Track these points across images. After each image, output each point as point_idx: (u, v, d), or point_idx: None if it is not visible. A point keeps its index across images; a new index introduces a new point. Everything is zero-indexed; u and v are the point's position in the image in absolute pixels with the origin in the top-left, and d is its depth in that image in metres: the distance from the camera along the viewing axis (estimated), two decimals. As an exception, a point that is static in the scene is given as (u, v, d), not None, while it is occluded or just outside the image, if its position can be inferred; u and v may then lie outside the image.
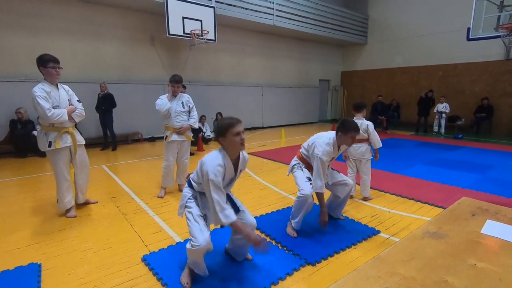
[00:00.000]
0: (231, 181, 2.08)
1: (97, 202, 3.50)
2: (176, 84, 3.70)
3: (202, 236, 1.90)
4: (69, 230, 2.88)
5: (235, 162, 2.01)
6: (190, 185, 2.11)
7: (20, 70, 6.41)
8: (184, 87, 6.45)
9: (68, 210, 3.20)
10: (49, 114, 2.79)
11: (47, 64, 2.87)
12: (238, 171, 2.07)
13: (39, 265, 2.27)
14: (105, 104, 6.72)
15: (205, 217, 2.01)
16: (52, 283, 2.08)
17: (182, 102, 3.81)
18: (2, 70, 6.23)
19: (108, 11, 7.40)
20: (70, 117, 3.01)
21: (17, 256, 2.42)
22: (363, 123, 3.57)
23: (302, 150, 2.92)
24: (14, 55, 6.33)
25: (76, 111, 3.06)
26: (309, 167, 2.84)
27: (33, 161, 5.80)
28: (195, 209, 2.03)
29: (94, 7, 7.18)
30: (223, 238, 2.60)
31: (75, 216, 3.17)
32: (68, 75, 6.81)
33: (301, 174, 2.80)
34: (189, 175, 2.21)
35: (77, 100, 3.13)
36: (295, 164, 2.91)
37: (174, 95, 3.77)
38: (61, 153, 3.03)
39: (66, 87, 3.11)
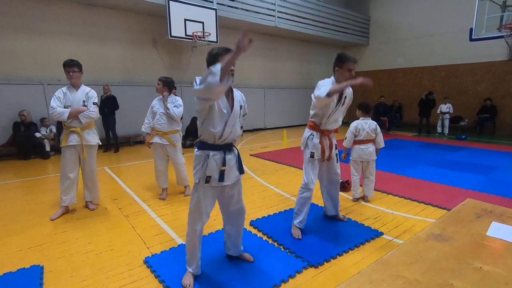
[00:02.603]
0: (230, 117, 1.89)
1: (96, 208, 3.47)
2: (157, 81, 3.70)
3: (199, 217, 1.97)
4: (71, 232, 2.89)
5: (229, 97, 1.94)
6: (201, 147, 1.98)
7: (23, 72, 6.46)
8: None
9: (60, 209, 3.27)
10: (50, 112, 3.12)
11: (64, 68, 3.13)
12: (238, 107, 1.94)
13: (42, 267, 2.27)
14: (108, 106, 6.74)
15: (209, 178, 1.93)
16: (54, 285, 2.08)
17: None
18: (5, 72, 6.27)
19: (110, 14, 7.44)
20: (76, 118, 3.14)
21: (20, 258, 2.42)
22: (371, 123, 3.57)
23: (310, 113, 2.79)
24: (17, 58, 6.37)
25: (84, 112, 3.16)
26: (322, 134, 2.73)
27: (36, 163, 5.82)
28: (202, 196, 1.97)
29: (96, 10, 7.22)
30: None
31: (52, 219, 3.15)
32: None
33: (307, 155, 2.72)
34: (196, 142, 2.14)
35: (93, 103, 3.25)
36: (308, 136, 2.77)
37: (161, 94, 3.70)
38: (66, 151, 3.19)
39: (89, 89, 3.28)
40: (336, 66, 2.57)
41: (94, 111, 3.24)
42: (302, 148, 2.86)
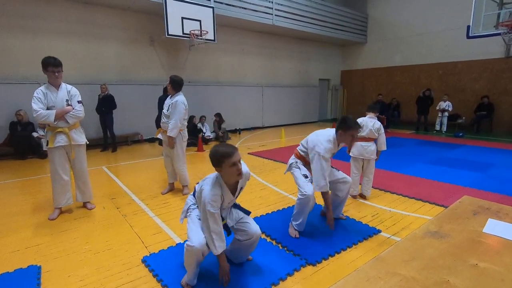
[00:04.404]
0: (231, 202, 2.07)
1: (94, 207, 3.45)
2: None
3: (197, 238, 1.88)
4: (69, 232, 2.88)
5: (234, 185, 1.99)
6: (195, 195, 2.11)
7: (20, 72, 6.41)
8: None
9: (55, 210, 3.22)
10: (34, 115, 2.92)
11: (47, 68, 2.96)
12: (238, 190, 2.04)
13: (39, 267, 2.26)
14: (106, 105, 6.72)
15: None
16: (52, 285, 2.07)
17: (169, 105, 3.65)
18: (2, 72, 6.23)
19: (107, 12, 7.40)
20: (63, 118, 3.02)
21: (17, 258, 2.41)
22: (376, 122, 3.61)
23: (300, 147, 2.89)
24: (14, 57, 6.33)
25: (71, 112, 3.05)
26: (307, 164, 2.81)
27: (33, 163, 5.79)
28: (195, 212, 2.06)
29: (93, 9, 7.18)
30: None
31: (53, 219, 3.13)
32: (67, 77, 6.78)
33: (299, 173, 2.77)
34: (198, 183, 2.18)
35: (78, 101, 3.13)
36: (292, 163, 2.89)
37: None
38: (55, 152, 3.08)
39: (70, 87, 3.14)
40: (340, 129, 2.60)
41: (80, 110, 3.12)
42: (285, 172, 2.99)
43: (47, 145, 3.05)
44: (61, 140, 3.06)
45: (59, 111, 2.97)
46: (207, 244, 1.89)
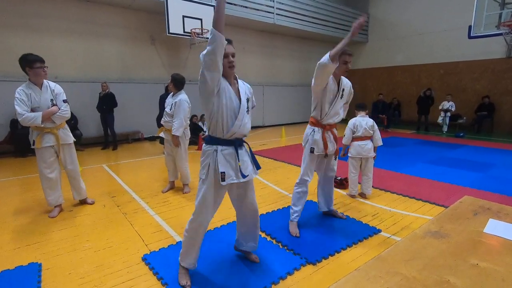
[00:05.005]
0: (238, 110, 1.85)
1: (93, 203, 3.46)
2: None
3: (204, 217, 1.93)
4: (69, 229, 2.88)
5: (235, 87, 1.88)
6: (209, 141, 1.93)
7: (20, 70, 6.38)
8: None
9: (55, 208, 3.21)
10: (20, 119, 2.79)
11: (34, 65, 2.81)
12: (245, 99, 1.90)
13: (40, 265, 2.26)
14: (106, 104, 6.72)
15: (222, 175, 1.87)
16: (52, 282, 2.07)
17: (172, 104, 3.65)
18: (2, 70, 6.23)
19: (108, 11, 7.39)
20: (49, 119, 2.93)
21: (18, 255, 2.42)
22: (369, 120, 3.62)
23: (311, 109, 2.80)
24: (15, 55, 6.25)
25: (58, 112, 2.96)
26: (324, 129, 2.71)
27: (33, 161, 5.77)
28: (208, 188, 1.90)
29: (94, 7, 7.17)
30: (225, 236, 2.60)
31: (53, 217, 3.13)
32: (68, 75, 6.82)
33: (307, 150, 2.71)
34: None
35: (63, 100, 3.02)
36: (309, 132, 2.76)
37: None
38: (42, 152, 3.01)
39: (53, 85, 3.01)
40: None
41: (67, 110, 3.02)
42: (303, 144, 2.85)
43: (33, 144, 2.95)
44: (49, 140, 2.99)
45: (45, 113, 2.86)
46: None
